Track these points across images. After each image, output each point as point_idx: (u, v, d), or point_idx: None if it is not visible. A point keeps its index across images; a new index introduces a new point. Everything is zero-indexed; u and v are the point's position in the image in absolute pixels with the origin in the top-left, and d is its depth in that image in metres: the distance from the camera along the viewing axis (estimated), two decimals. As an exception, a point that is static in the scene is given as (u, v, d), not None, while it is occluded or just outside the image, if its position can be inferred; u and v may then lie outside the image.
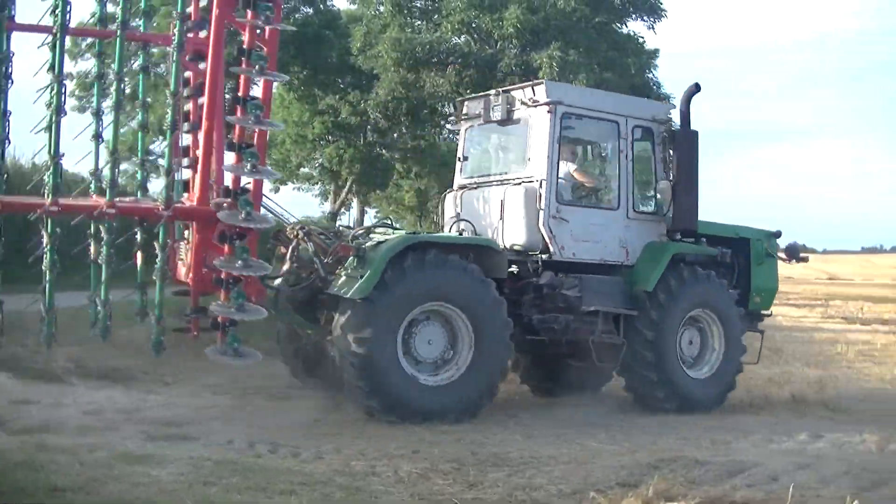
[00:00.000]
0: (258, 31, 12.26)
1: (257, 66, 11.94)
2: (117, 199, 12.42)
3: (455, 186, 15.58)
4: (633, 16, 35.42)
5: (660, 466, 10.07)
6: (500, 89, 14.88)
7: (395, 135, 40.82)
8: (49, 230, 11.99)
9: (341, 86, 39.55)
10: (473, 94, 15.97)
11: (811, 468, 10.44)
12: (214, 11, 12.22)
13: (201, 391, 14.18)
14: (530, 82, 14.81)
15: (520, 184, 14.12)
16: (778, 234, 16.58)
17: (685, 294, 14.59)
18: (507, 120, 14.59)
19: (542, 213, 13.81)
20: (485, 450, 10.95)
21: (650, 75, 36.28)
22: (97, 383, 13.81)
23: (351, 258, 12.64)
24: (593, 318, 14.05)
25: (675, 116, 15.28)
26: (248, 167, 11.85)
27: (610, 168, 15.04)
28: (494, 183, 14.78)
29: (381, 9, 35.54)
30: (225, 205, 11.88)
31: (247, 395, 14.20)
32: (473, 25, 33.26)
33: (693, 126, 14.92)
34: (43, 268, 12.16)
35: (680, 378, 14.52)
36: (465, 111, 15.63)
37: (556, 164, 14.00)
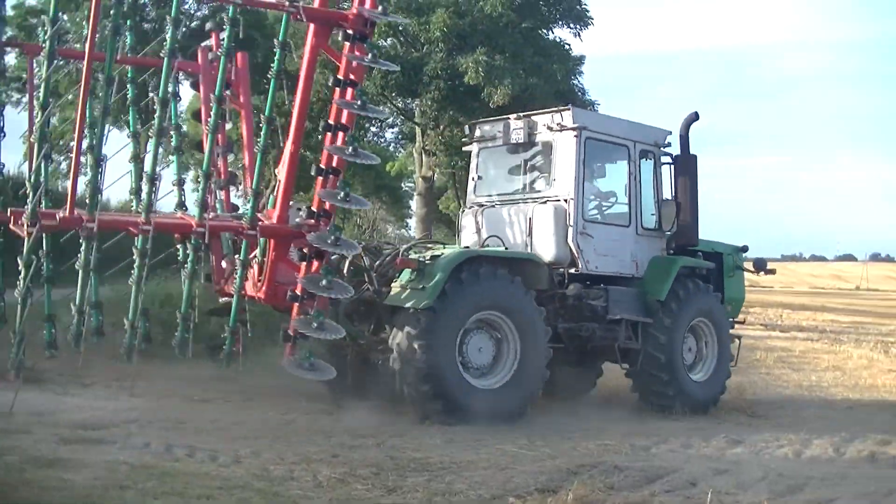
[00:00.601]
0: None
1: (359, 102, 12.85)
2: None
3: (468, 204, 16.52)
4: (560, 22, 35.61)
5: (579, 472, 10.11)
6: (520, 114, 15.78)
7: (321, 137, 40.61)
8: (139, 246, 12.64)
9: (265, 86, 39.26)
10: (488, 118, 16.94)
11: (729, 473, 10.57)
12: (310, 40, 13.17)
13: (118, 393, 14.01)
14: (555, 108, 15.63)
15: (546, 202, 15.08)
16: (745, 249, 17.96)
17: (690, 303, 15.85)
18: (528, 142, 15.59)
19: (570, 229, 14.82)
20: (404, 454, 10.91)
21: (576, 82, 36.49)
22: (9, 384, 13.59)
23: (409, 271, 13.37)
24: (617, 326, 15.09)
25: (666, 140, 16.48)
26: (342, 195, 12.72)
27: (622, 188, 16.05)
28: (518, 201, 15.68)
29: (308, 10, 35.37)
30: (306, 226, 12.80)
31: (165, 397, 14.04)
32: (400, 28, 33.21)
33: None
34: (130, 282, 12.87)
35: (684, 380, 15.68)
36: (478, 133, 16.48)
37: (582, 184, 15.02)
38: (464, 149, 17.29)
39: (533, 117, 15.60)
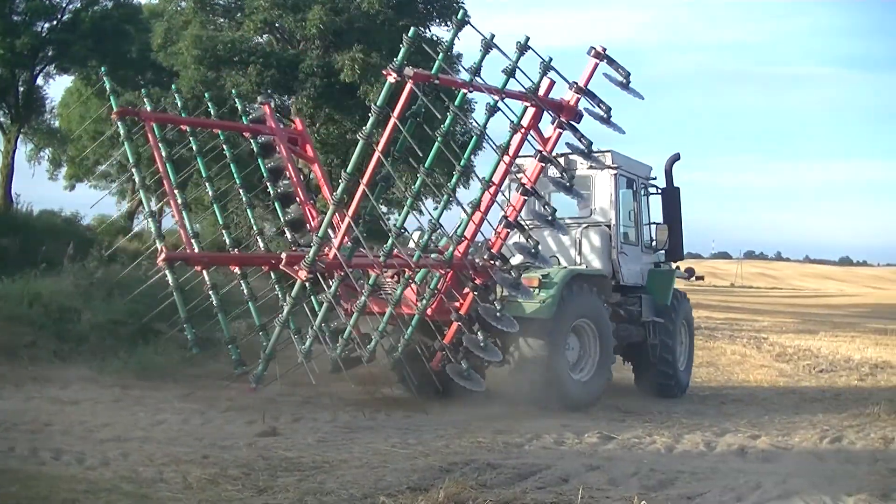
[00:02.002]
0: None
1: (568, 182, 15.75)
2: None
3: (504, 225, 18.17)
4: (437, 20, 35.65)
5: (452, 470, 10.12)
6: (560, 153, 17.28)
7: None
8: (371, 282, 15.10)
9: (141, 82, 38.69)
10: (524, 155, 18.03)
11: (601, 469, 10.65)
12: (528, 121, 15.82)
13: (-18, 396, 13.69)
14: (597, 151, 17.16)
15: (588, 227, 17.77)
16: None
17: (681, 307, 19.19)
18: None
19: (614, 249, 17.69)
20: (276, 454, 10.79)
21: (455, 79, 36.53)
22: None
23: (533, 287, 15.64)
24: (645, 327, 18.10)
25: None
26: (532, 251, 15.30)
27: (628, 214, 18.73)
28: (566, 225, 17.39)
29: (183, 4, 35.07)
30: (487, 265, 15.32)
31: (32, 399, 13.75)
32: (276, 25, 33.07)
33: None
34: (356, 309, 14.80)
35: (678, 369, 18.73)
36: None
37: (619, 213, 17.89)
38: None
39: (570, 156, 17.47)
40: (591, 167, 17.65)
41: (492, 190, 15.50)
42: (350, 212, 14.93)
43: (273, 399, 15.20)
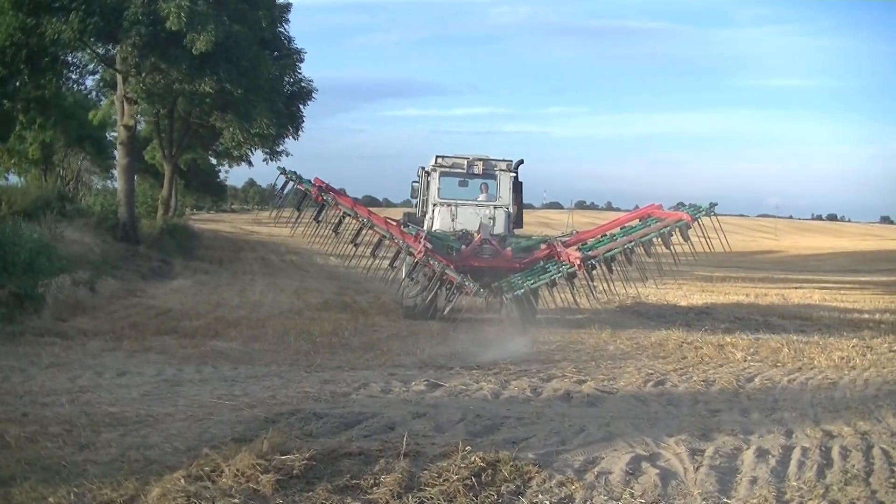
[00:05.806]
0: None
1: None
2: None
3: (434, 202, 23.66)
4: (266, -33, 35.21)
5: (277, 420, 10.18)
6: (478, 157, 23.89)
7: (18, 83, 38.78)
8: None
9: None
10: (451, 155, 24.02)
11: (427, 417, 10.85)
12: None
13: None
14: (504, 159, 24.00)
15: (497, 208, 23.51)
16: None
17: None
18: (482, 174, 23.75)
19: (511, 224, 23.67)
20: (99, 409, 10.64)
21: (281, 29, 36.37)
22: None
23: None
24: None
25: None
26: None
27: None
28: (479, 205, 23.62)
29: (-1, -57, 33.63)
30: None
31: None
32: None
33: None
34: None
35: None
36: (444, 163, 23.78)
37: (514, 201, 23.90)
38: (426, 169, 24.18)
39: (489, 161, 23.80)
40: (501, 169, 23.65)
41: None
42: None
43: (98, 354, 14.94)
